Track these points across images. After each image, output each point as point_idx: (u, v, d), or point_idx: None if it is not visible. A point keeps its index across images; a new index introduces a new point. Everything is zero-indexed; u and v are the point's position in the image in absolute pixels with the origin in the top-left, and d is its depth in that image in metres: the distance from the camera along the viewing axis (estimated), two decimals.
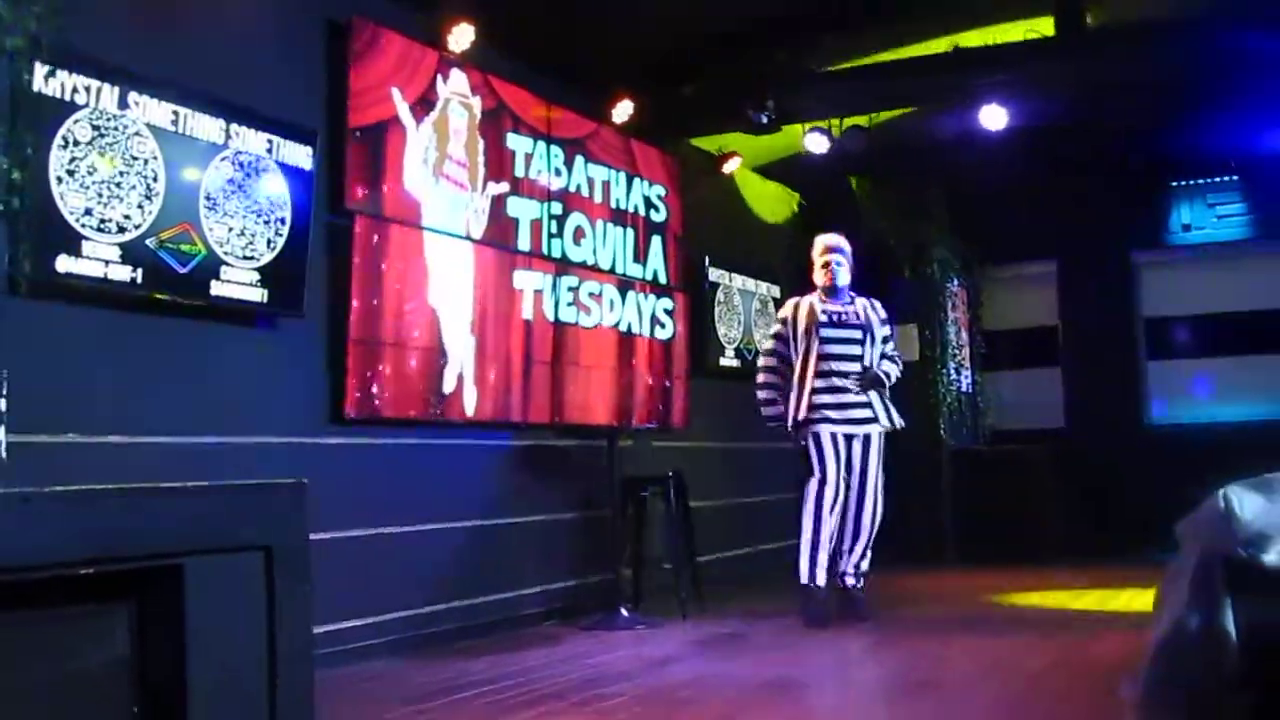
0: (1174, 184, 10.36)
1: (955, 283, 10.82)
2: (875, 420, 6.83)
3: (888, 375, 6.93)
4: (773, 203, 10.29)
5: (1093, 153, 9.67)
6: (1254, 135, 9.52)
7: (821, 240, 7.17)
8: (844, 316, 6.93)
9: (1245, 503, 1.52)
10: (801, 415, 6.75)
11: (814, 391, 6.75)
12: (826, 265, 7.04)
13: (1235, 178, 10.16)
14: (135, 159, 4.73)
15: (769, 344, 7.18)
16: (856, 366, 6.84)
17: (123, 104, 4.68)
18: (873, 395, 6.86)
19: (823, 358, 6.80)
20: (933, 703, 4.61)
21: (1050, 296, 11.04)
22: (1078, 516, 10.06)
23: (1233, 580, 1.49)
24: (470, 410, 6.62)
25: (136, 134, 4.74)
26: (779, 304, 10.10)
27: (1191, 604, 1.54)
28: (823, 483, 6.69)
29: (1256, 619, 1.47)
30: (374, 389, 5.98)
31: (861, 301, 7.07)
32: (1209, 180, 10.27)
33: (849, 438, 6.79)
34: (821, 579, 6.66)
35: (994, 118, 8.32)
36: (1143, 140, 9.63)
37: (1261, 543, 1.47)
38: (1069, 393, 10.82)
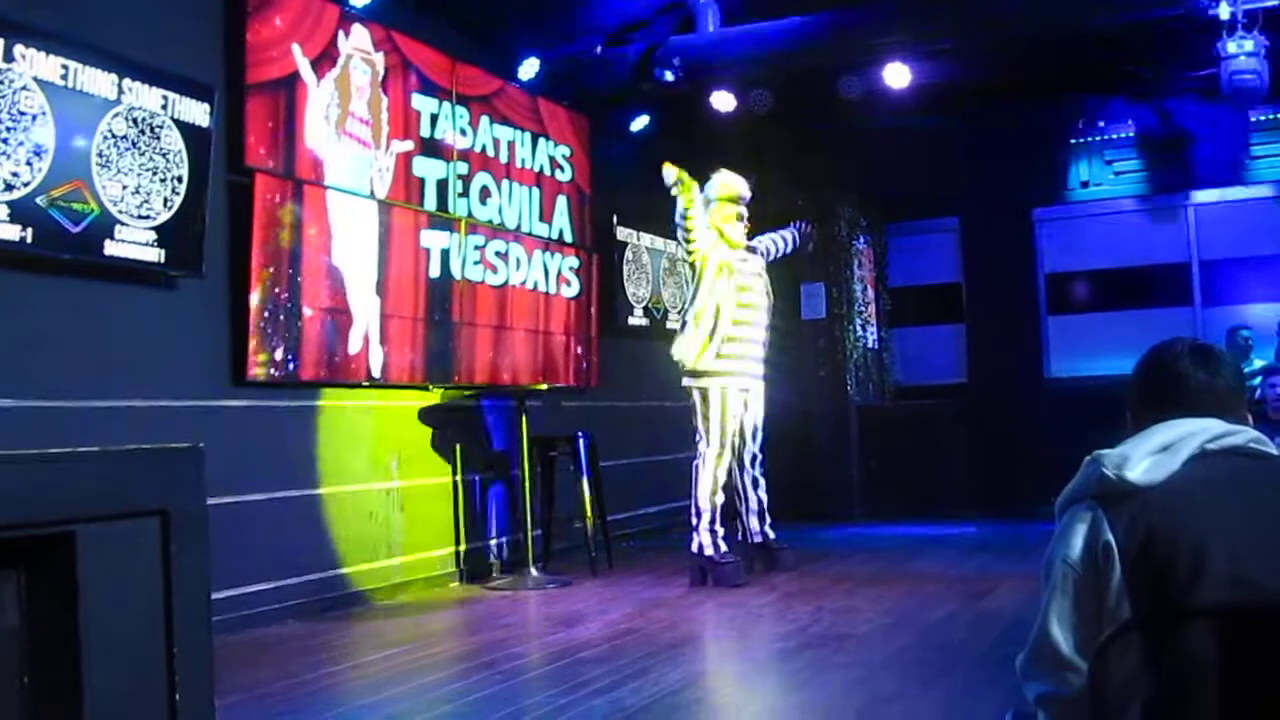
0: (1073, 141, 10.53)
1: (862, 241, 10.93)
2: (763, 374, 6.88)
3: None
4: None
5: (994, 110, 9.79)
6: (1152, 92, 9.71)
7: (735, 182, 6.93)
8: (754, 282, 6.89)
9: (1107, 451, 1.88)
10: (705, 364, 6.61)
11: (725, 341, 6.64)
12: (740, 219, 6.88)
13: (1132, 135, 10.36)
14: (23, 114, 4.58)
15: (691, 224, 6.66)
16: (765, 321, 6.87)
17: (9, 57, 4.52)
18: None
19: (739, 311, 6.73)
20: (842, 653, 4.69)
21: (954, 253, 11.20)
22: (981, 470, 10.26)
23: (1107, 501, 1.84)
24: (376, 371, 6.55)
25: (24, 88, 4.58)
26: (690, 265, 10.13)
27: (1078, 539, 1.86)
28: (720, 453, 6.68)
29: (1129, 522, 1.81)
30: (277, 350, 5.88)
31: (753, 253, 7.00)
32: (1107, 137, 10.46)
33: (744, 390, 6.80)
34: (724, 545, 6.69)
35: (898, 76, 8.38)
36: (1043, 97, 9.77)
37: (1125, 464, 1.84)
38: (972, 348, 11.00)
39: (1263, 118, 9.77)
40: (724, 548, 6.65)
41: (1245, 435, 1.90)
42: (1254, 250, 9.89)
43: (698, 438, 6.73)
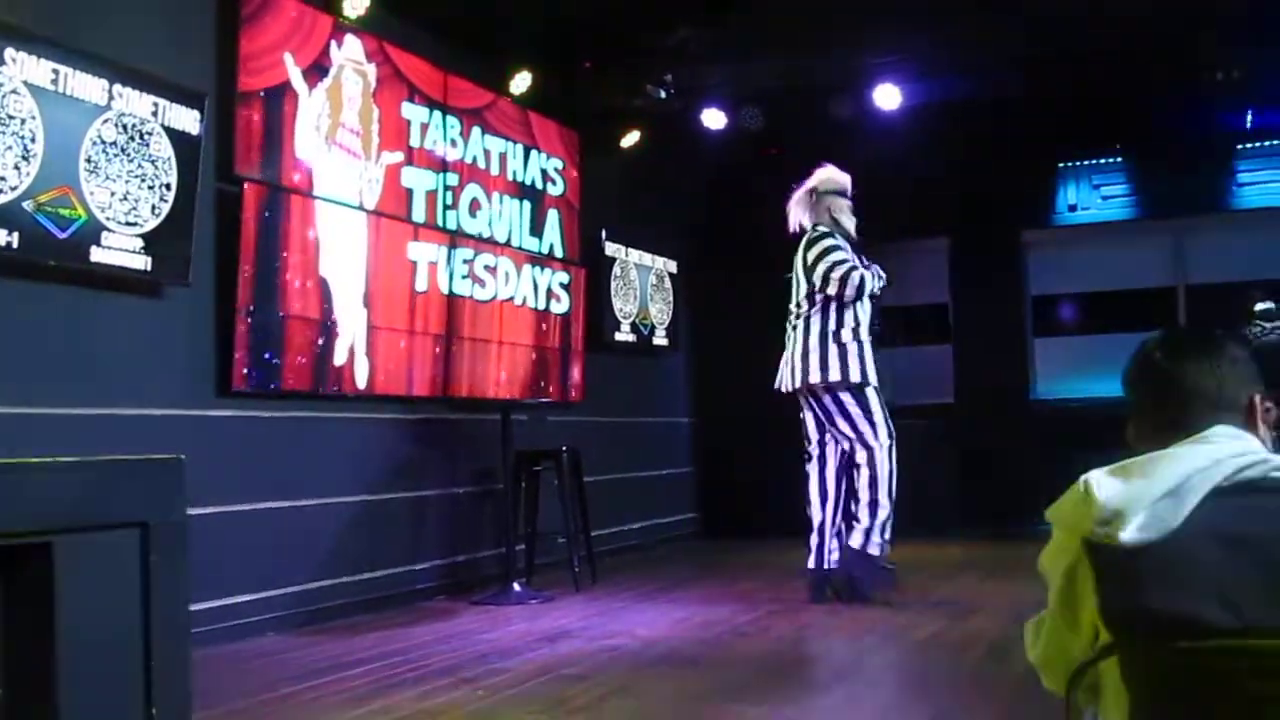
0: (1062, 165, 10.57)
1: None
2: None
3: None
4: (672, 177, 10.28)
5: (984, 132, 9.82)
6: (1140, 117, 9.74)
7: (841, 176, 6.78)
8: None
9: (1104, 486, 1.64)
10: (870, 375, 6.44)
11: (864, 347, 6.51)
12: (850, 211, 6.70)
13: (1120, 159, 10.40)
14: (12, 118, 4.56)
15: (849, 264, 6.44)
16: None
17: None
18: None
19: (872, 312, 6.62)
20: (826, 672, 4.68)
21: (942, 274, 11.21)
22: (967, 489, 10.27)
23: (1095, 558, 1.62)
24: (362, 383, 6.52)
25: (13, 92, 4.56)
26: (676, 279, 10.14)
27: (1063, 586, 1.70)
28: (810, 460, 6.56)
29: (1116, 590, 1.60)
30: (263, 360, 5.86)
31: None
32: (1095, 161, 10.49)
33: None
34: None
35: (888, 97, 8.41)
36: (1033, 120, 9.80)
37: (1117, 521, 1.59)
38: (959, 368, 11.01)
39: (1250, 145, 9.83)
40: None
41: (1268, 464, 1.65)
42: (1239, 275, 9.92)
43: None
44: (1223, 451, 1.66)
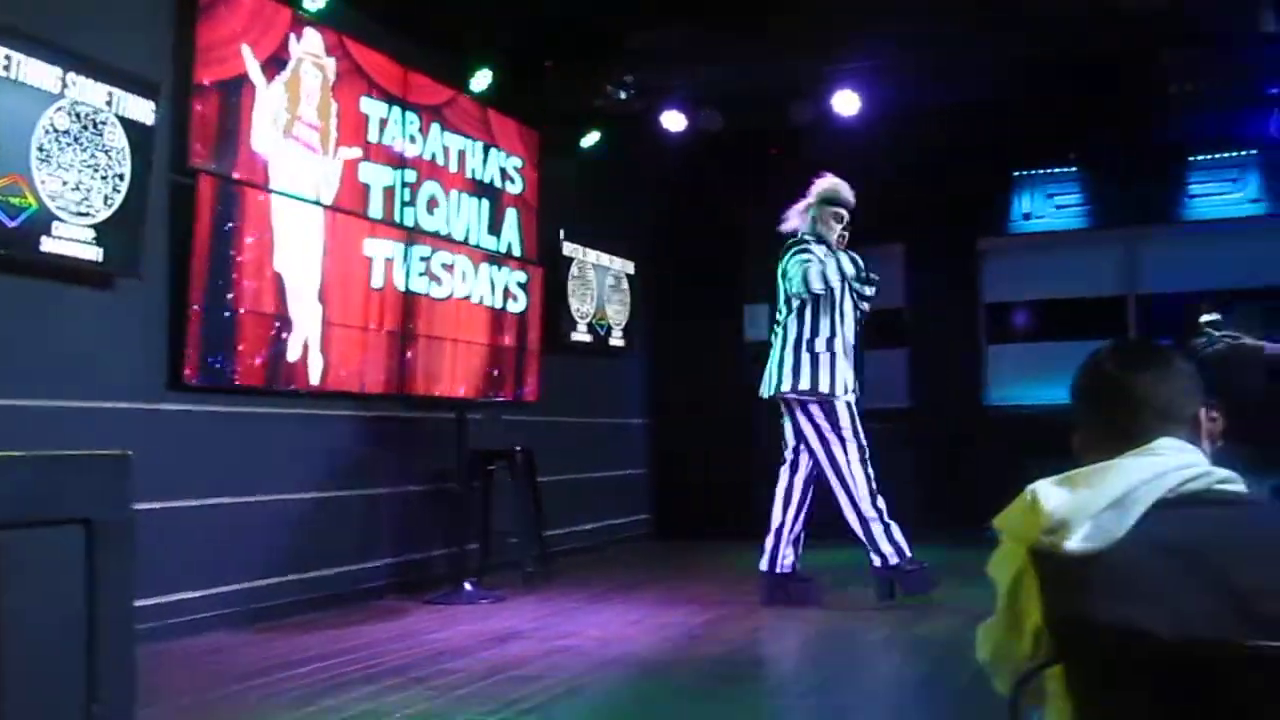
0: (1017, 173, 10.67)
1: None
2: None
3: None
4: (632, 178, 10.28)
5: (940, 140, 9.88)
6: (1094, 128, 9.85)
7: (843, 188, 6.80)
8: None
9: (1050, 496, 1.65)
10: (838, 387, 6.47)
11: (836, 358, 6.52)
12: (839, 221, 6.72)
13: (1074, 169, 10.52)
14: None
15: (808, 262, 6.51)
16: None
17: None
18: None
19: (857, 323, 6.68)
20: (774, 677, 4.69)
21: (897, 280, 11.27)
22: (920, 493, 10.32)
23: (1041, 567, 1.64)
24: (315, 379, 6.47)
25: None
26: (634, 280, 10.14)
27: (1009, 593, 1.71)
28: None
29: (1061, 599, 1.61)
30: (215, 355, 5.80)
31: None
32: (1050, 170, 10.60)
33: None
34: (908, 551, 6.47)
35: (847, 103, 8.45)
36: (989, 129, 9.88)
37: (1063, 530, 1.60)
38: (913, 373, 11.08)
39: (1201, 157, 9.97)
40: (909, 553, 6.44)
41: (1211, 477, 1.67)
42: (1188, 286, 10.05)
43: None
44: (1168, 464, 1.68)
